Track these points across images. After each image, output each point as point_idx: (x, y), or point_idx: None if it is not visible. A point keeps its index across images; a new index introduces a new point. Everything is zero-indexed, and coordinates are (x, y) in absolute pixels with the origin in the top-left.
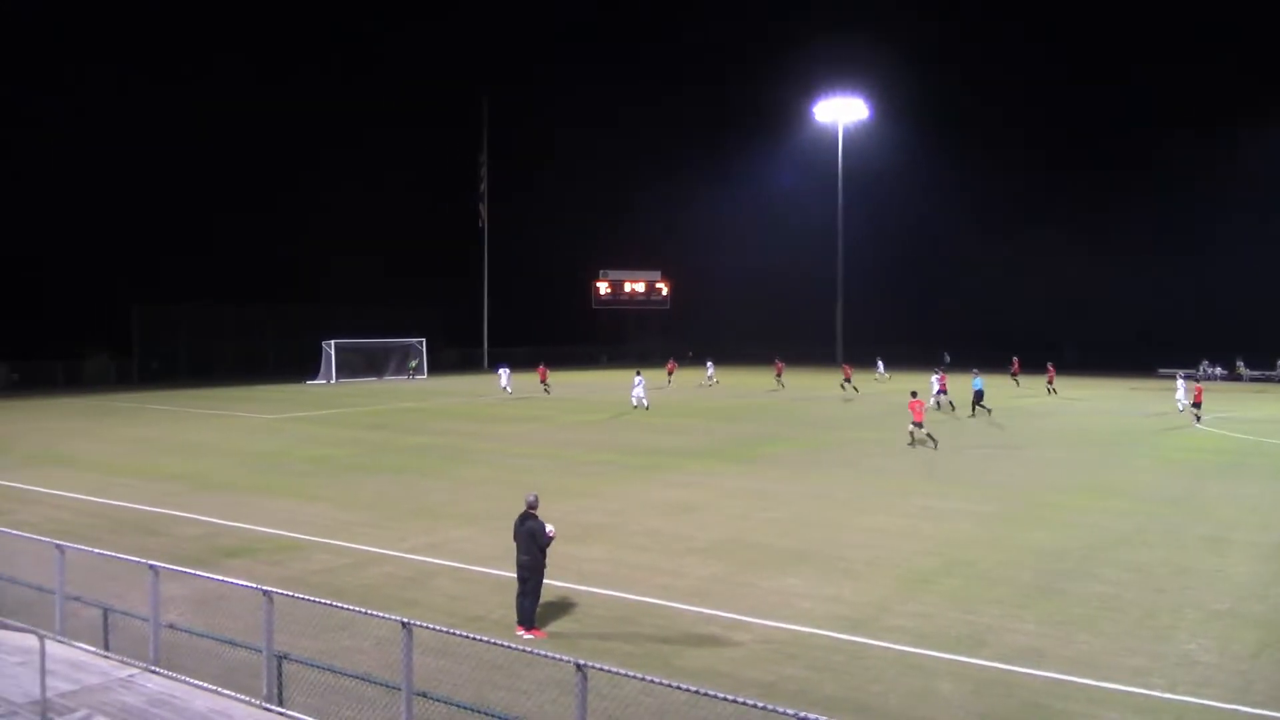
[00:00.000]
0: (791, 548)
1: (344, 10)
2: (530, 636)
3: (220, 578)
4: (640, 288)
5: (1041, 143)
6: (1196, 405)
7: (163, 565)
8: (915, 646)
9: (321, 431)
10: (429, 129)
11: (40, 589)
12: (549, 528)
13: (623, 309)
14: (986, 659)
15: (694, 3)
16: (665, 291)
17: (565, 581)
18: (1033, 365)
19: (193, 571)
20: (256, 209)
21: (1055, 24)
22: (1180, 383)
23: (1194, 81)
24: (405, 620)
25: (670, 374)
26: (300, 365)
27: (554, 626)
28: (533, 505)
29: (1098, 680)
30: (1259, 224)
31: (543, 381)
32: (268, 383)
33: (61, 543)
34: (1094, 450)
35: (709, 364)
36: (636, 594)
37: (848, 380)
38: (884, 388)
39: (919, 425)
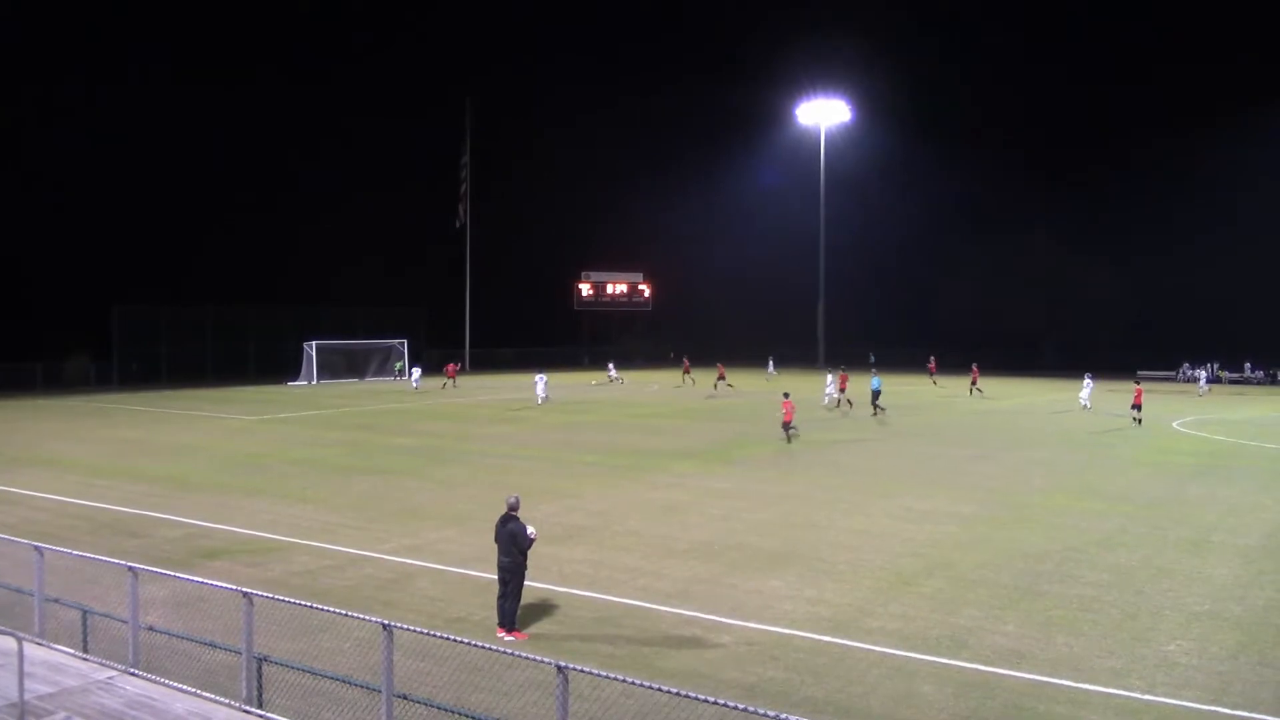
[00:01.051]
0: (773, 549)
1: (323, 7)
2: (511, 638)
3: (200, 579)
4: (623, 289)
5: (1022, 143)
6: (1136, 408)
7: (142, 567)
8: (897, 648)
9: (303, 433)
10: (411, 128)
11: (19, 591)
12: (530, 529)
13: (605, 310)
14: (968, 661)
15: (676, 4)
16: (648, 293)
17: (547, 583)
18: (1014, 367)
19: (172, 573)
20: (238, 209)
21: (1036, 24)
22: (1087, 381)
23: (1175, 81)
24: (386, 622)
25: (686, 373)
26: (282, 367)
27: (535, 628)
28: (514, 507)
29: (1078, 682)
30: (1240, 226)
31: (450, 377)
32: (249, 384)
33: (40, 544)
34: (1054, 451)
35: (610, 365)
36: (618, 595)
37: (686, 374)
38: (766, 386)
39: (788, 425)
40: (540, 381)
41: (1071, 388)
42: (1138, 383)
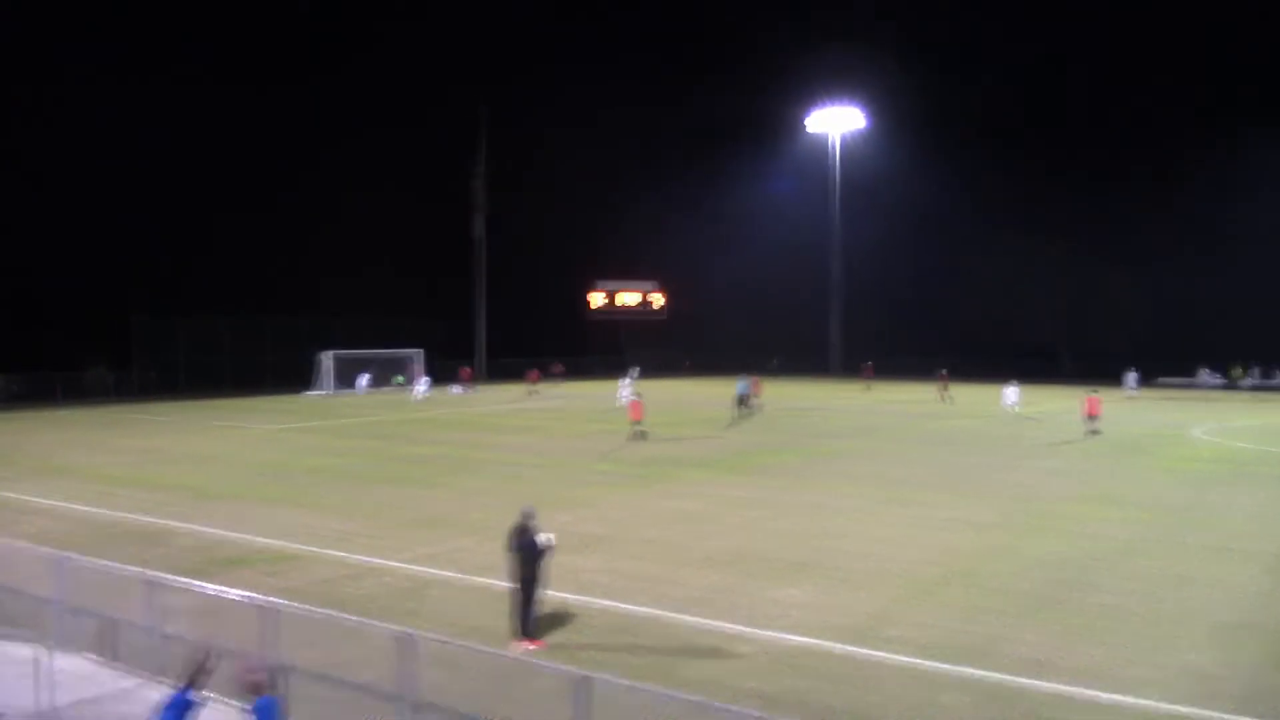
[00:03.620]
0: (791, 558)
1: (340, 17)
2: (530, 647)
3: (220, 589)
4: (635, 299)
5: (1040, 151)
6: (1093, 418)
7: (162, 576)
8: (916, 657)
9: (320, 442)
10: (425, 139)
11: (42, 600)
12: (546, 537)
13: (618, 320)
14: (988, 670)
15: (687, 12)
16: (660, 302)
17: (564, 592)
18: (1033, 376)
19: (193, 583)
20: (254, 220)
21: (1055, 31)
22: (1011, 387)
23: (1193, 88)
24: (404, 631)
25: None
26: (299, 376)
27: (554, 637)
28: (529, 516)
29: (1100, 691)
30: (1263, 231)
31: (533, 383)
32: (266, 394)
33: (62, 554)
34: (1073, 459)
35: (629, 374)
36: (636, 604)
37: (535, 383)
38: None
39: (637, 423)
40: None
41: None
42: (1093, 391)
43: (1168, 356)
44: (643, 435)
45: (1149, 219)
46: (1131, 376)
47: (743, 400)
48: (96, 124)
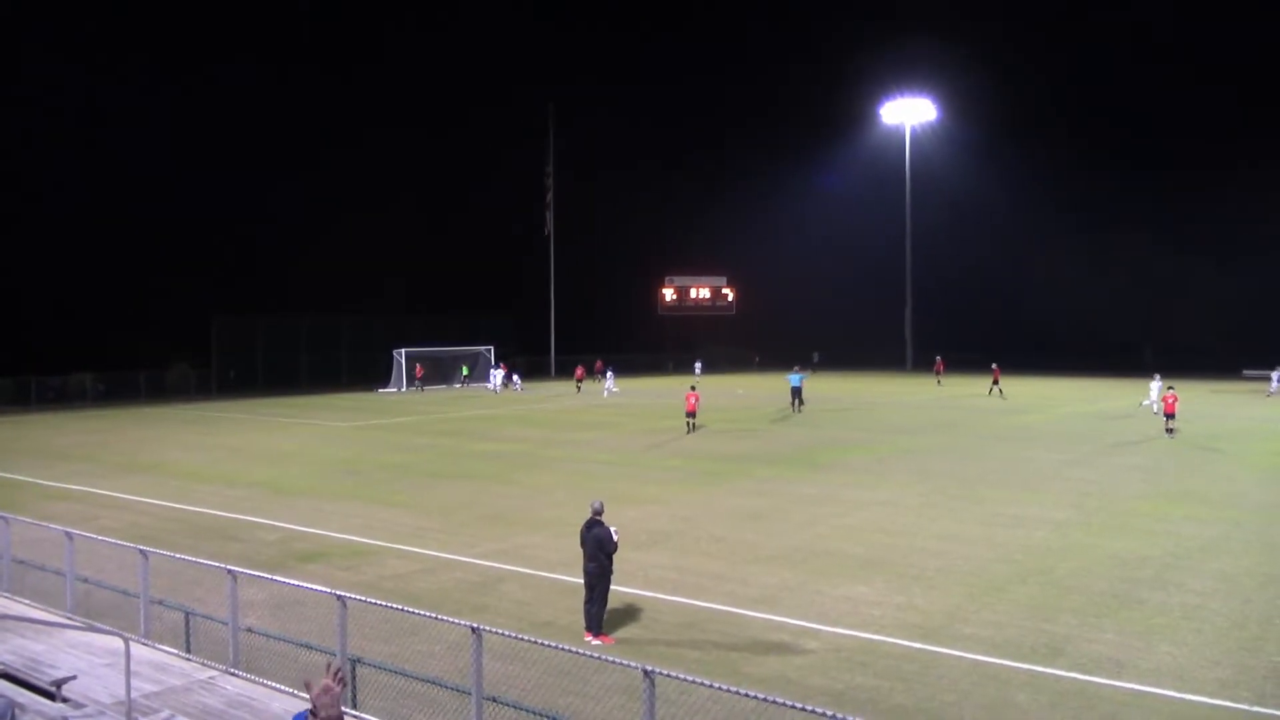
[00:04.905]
0: (861, 555)
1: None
2: (598, 642)
3: (296, 582)
4: (706, 294)
5: (1118, 139)
6: (1169, 416)
7: (241, 570)
8: (989, 655)
9: (394, 439)
10: (493, 135)
11: (125, 593)
12: (614, 531)
13: (689, 315)
14: (1064, 669)
15: (760, 5)
16: (731, 297)
17: (632, 588)
18: (1113, 371)
19: (270, 576)
20: (330, 223)
21: (1132, 19)
22: (1156, 382)
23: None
24: (475, 625)
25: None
26: (373, 374)
27: (622, 633)
28: (599, 511)
29: (1182, 692)
30: None
31: (579, 380)
32: (341, 391)
33: (145, 548)
34: (1153, 456)
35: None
36: (703, 601)
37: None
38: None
39: (691, 415)
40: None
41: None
42: (1169, 388)
43: (1257, 350)
44: (694, 428)
45: (1236, 207)
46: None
47: (796, 393)
48: (182, 126)
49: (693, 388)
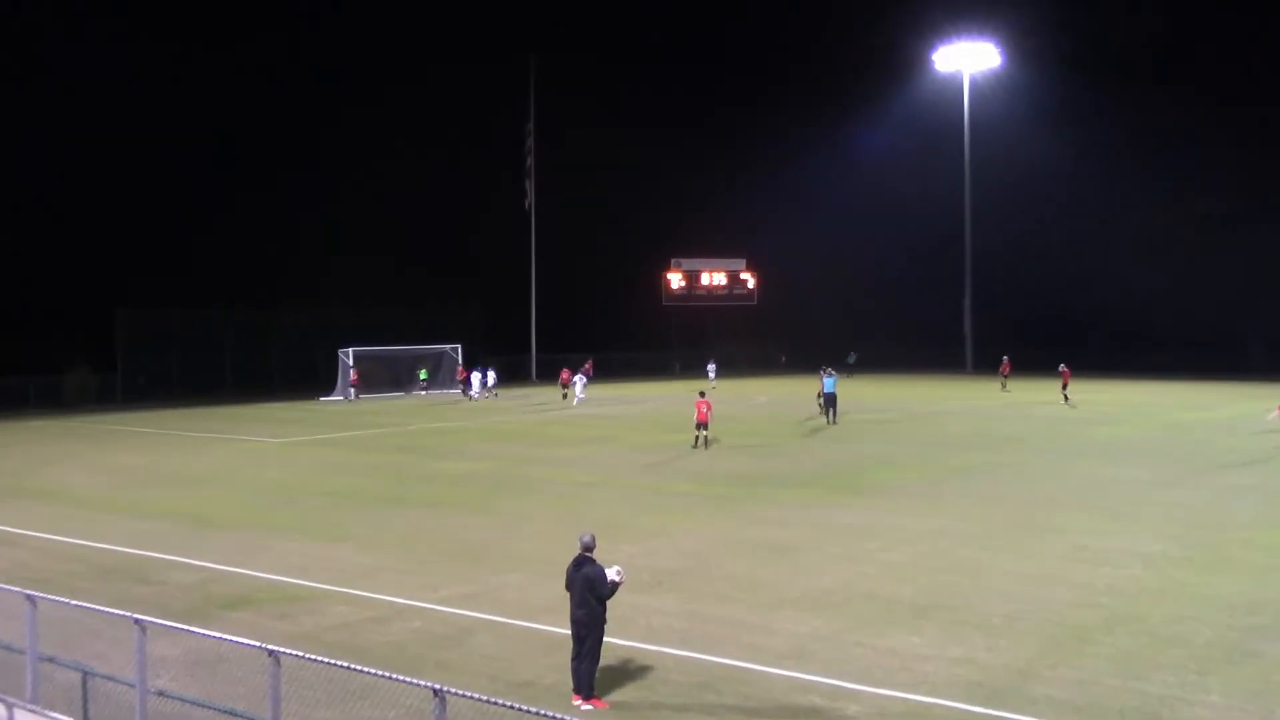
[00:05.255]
0: (911, 598)
1: None
2: (589, 707)
3: (219, 634)
4: (721, 279)
5: (1225, 91)
6: None
7: (152, 620)
8: None
9: (340, 457)
10: (462, 95)
11: (8, 648)
12: (613, 572)
13: (700, 306)
14: None
15: None
16: (751, 284)
17: (631, 640)
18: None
19: (187, 627)
20: (257, 197)
21: None
22: None
23: None
24: (438, 687)
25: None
26: (313, 379)
27: (618, 695)
28: (589, 547)
29: None
30: None
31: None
32: (275, 400)
33: (34, 593)
34: (1266, 475)
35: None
36: (718, 655)
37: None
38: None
39: (702, 425)
40: (580, 381)
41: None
42: None
43: None
44: (706, 442)
45: None
46: None
47: (831, 400)
48: (74, 86)
49: (702, 394)
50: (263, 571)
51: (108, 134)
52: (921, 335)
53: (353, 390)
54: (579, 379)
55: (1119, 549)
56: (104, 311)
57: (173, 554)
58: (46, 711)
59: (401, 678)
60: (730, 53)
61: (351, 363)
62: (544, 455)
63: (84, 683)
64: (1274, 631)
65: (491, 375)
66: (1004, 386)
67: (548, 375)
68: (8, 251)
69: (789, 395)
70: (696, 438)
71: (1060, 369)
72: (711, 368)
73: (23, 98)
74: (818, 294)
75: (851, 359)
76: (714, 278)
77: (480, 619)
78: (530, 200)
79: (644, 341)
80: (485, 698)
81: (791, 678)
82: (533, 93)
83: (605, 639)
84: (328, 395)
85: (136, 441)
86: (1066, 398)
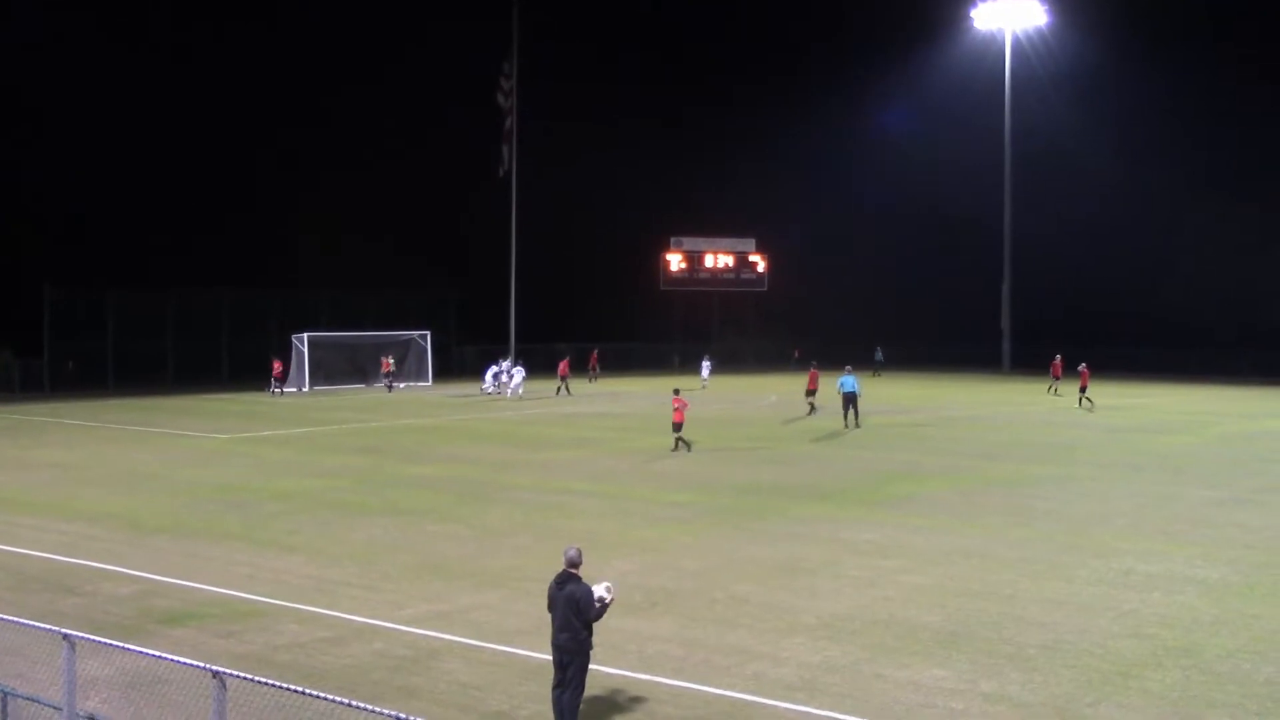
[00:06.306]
0: (937, 625)
1: None
2: None
3: (158, 653)
4: (727, 262)
5: None
6: None
7: (81, 635)
8: None
9: (294, 457)
10: (435, 48)
11: None
12: (601, 589)
13: (703, 291)
14: None
15: None
16: (762, 268)
17: (621, 668)
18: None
19: (122, 644)
20: (210, 164)
21: None
22: None
23: None
24: (401, 716)
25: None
26: (265, 368)
27: None
28: (574, 563)
29: None
30: None
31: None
32: (222, 391)
33: None
34: None
35: (704, 363)
36: (720, 687)
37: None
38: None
39: (678, 426)
40: (517, 370)
41: None
42: None
43: None
44: (686, 446)
45: None
46: None
47: (851, 400)
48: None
49: (677, 391)
50: (206, 583)
51: (34, 94)
52: (953, 329)
53: (276, 383)
54: (517, 370)
55: (1172, 573)
56: (30, 290)
57: (105, 562)
58: None
59: (362, 705)
60: (741, 8)
61: (308, 351)
62: (524, 459)
63: (3, 704)
64: None
65: (519, 373)
66: (1056, 390)
67: (534, 367)
68: None
69: (803, 394)
70: (676, 441)
71: (1080, 368)
72: (706, 365)
73: None
74: (836, 280)
75: (879, 355)
76: (719, 260)
77: (450, 641)
78: (505, 167)
79: (639, 331)
80: None
81: (801, 712)
82: (515, 41)
83: (591, 666)
84: (279, 387)
85: (64, 435)
86: (1087, 399)
